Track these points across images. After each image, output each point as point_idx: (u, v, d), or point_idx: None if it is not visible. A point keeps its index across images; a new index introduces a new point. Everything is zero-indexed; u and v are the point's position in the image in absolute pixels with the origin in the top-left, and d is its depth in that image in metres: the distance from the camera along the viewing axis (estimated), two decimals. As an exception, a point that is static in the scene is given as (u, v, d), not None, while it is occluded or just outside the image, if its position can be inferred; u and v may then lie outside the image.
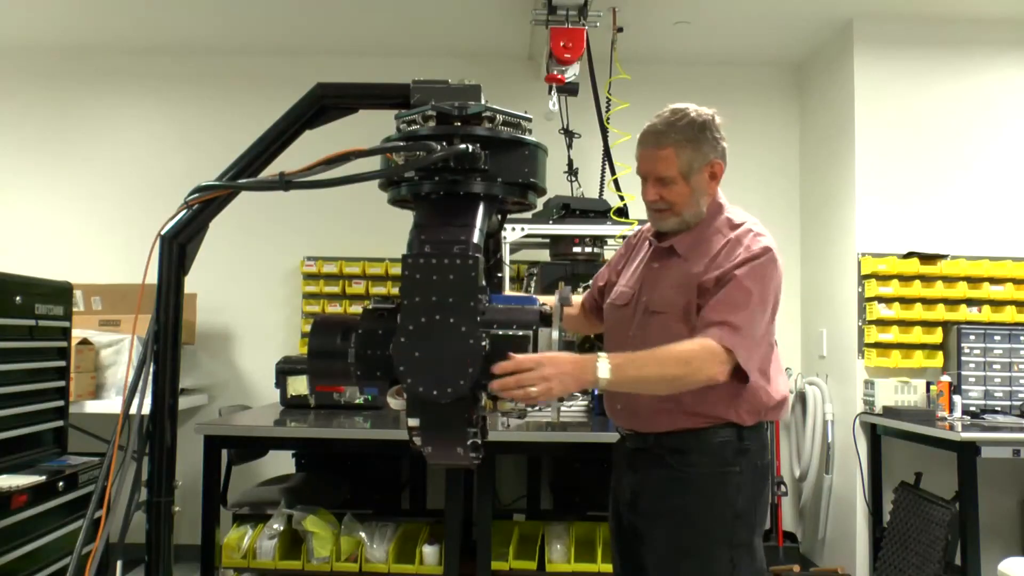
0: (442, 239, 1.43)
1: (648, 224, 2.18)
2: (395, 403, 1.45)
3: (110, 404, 3.97)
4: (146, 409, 1.53)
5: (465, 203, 1.50)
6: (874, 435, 4.17)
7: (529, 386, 1.54)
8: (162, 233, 1.57)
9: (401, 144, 1.50)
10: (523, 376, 1.53)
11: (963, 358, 3.99)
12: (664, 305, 1.94)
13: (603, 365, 1.70)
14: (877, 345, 4.16)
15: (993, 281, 4.17)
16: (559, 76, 3.79)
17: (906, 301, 4.16)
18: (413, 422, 1.42)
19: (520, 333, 1.43)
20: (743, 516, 1.95)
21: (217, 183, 1.57)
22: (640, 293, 2.02)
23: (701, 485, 1.93)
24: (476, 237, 1.43)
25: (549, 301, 1.59)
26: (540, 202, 1.86)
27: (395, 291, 2.58)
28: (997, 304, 4.17)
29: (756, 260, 1.89)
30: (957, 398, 3.88)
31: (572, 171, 4.35)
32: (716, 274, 1.89)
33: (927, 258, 4.16)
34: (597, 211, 3.98)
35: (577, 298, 2.27)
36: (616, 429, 2.15)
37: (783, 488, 4.52)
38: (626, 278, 2.11)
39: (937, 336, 4.15)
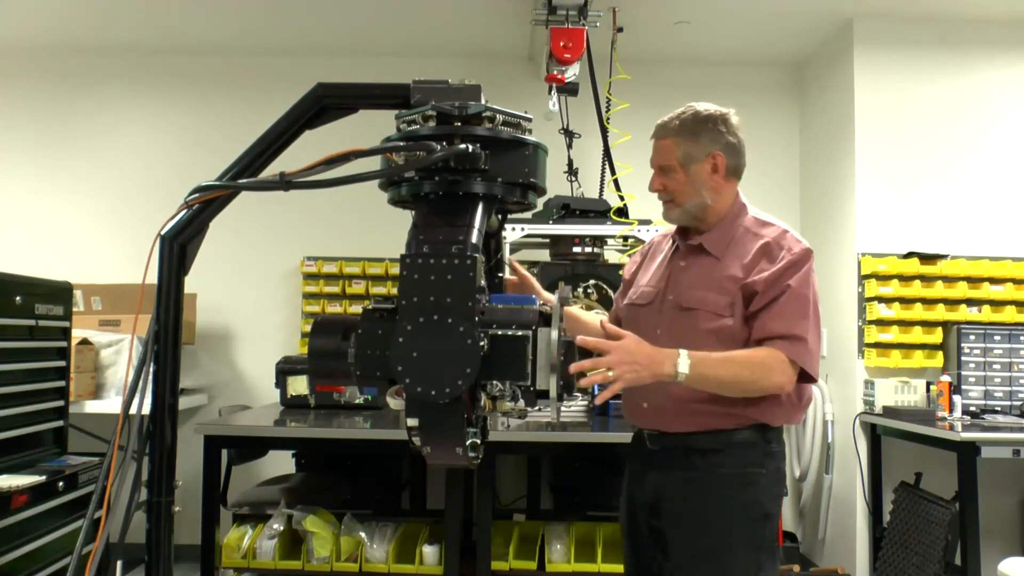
0: (440, 239, 1.42)
1: (661, 231, 2.22)
2: (395, 403, 1.45)
3: (110, 404, 3.97)
4: (146, 409, 1.53)
5: (464, 203, 1.49)
6: (874, 435, 4.17)
7: (606, 369, 1.69)
8: (162, 233, 1.57)
9: (401, 144, 1.49)
10: (599, 360, 1.69)
11: (963, 358, 3.99)
12: (696, 302, 1.93)
13: (683, 361, 1.76)
14: (877, 345, 4.16)
15: (993, 281, 4.18)
16: (559, 76, 3.80)
17: (906, 301, 4.16)
18: (412, 422, 1.41)
19: (519, 333, 1.42)
20: (770, 518, 1.95)
21: (217, 183, 1.57)
22: (666, 291, 2.01)
23: (727, 486, 1.92)
24: (475, 237, 1.43)
25: (549, 300, 1.59)
26: (540, 202, 1.86)
27: (395, 291, 2.58)
28: (997, 304, 4.17)
29: (804, 265, 1.92)
30: (957, 398, 3.89)
31: (572, 171, 4.35)
32: (763, 277, 1.89)
33: (927, 258, 4.16)
34: (597, 211, 3.99)
35: (590, 313, 2.29)
36: (634, 429, 2.12)
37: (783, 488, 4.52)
38: (646, 279, 2.11)
39: (937, 336, 4.15)
